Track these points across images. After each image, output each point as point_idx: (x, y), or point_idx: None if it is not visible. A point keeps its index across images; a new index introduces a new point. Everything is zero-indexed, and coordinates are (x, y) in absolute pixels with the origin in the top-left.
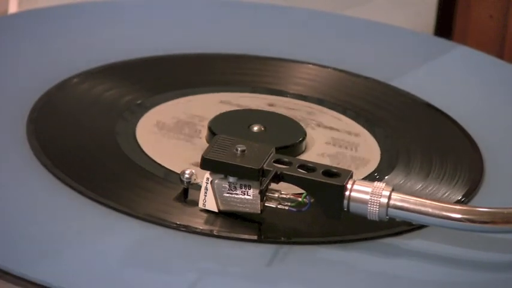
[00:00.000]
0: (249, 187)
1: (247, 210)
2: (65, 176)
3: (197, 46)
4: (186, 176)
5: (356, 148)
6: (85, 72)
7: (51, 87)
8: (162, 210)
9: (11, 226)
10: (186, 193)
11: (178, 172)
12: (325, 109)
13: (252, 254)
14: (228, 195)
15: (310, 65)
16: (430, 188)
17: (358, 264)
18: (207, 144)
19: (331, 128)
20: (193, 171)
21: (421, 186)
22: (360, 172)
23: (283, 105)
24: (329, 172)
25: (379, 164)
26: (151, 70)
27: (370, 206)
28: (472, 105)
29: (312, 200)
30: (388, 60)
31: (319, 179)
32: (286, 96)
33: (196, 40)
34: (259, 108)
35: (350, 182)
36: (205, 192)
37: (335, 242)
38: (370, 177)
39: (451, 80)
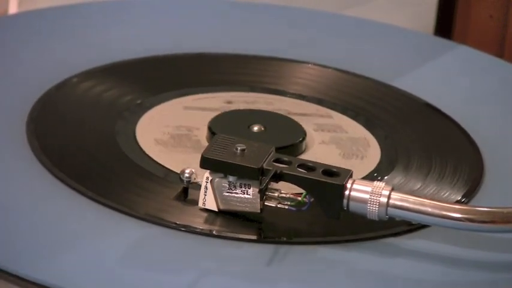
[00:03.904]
0: (249, 186)
1: (247, 209)
2: (65, 176)
3: (197, 46)
4: (186, 175)
5: (342, 129)
6: (85, 72)
7: (51, 87)
8: (162, 210)
9: (10, 226)
10: (186, 192)
11: (178, 172)
12: (283, 98)
13: (251, 254)
14: (227, 194)
15: (310, 65)
16: (430, 188)
17: (358, 264)
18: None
19: (303, 114)
20: (193, 170)
21: (421, 186)
22: (371, 154)
23: (241, 101)
24: (329, 171)
25: (379, 164)
26: (151, 70)
27: (370, 206)
28: (472, 105)
29: (311, 200)
30: (388, 60)
31: (319, 178)
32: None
33: (197, 40)
34: (219, 109)
35: (350, 182)
36: (205, 192)
37: (335, 242)
38: (370, 177)
39: (451, 80)
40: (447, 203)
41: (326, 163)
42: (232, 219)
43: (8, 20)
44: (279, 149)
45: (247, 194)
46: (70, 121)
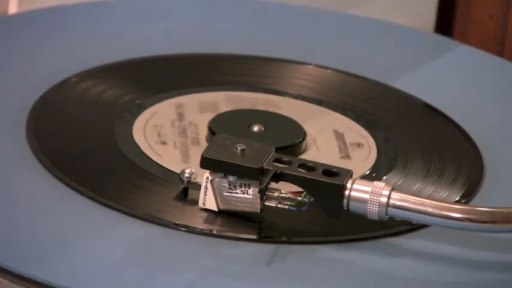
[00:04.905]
0: (249, 186)
1: (247, 209)
2: (64, 176)
3: (197, 46)
4: (186, 175)
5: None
6: (84, 72)
7: (51, 87)
8: (162, 210)
9: (10, 226)
10: (186, 192)
11: (178, 172)
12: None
13: (251, 254)
14: (227, 194)
15: (310, 66)
16: (429, 188)
17: (358, 264)
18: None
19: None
20: (193, 170)
21: (421, 186)
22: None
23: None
24: (329, 171)
25: (379, 165)
26: (151, 70)
27: (370, 206)
28: (472, 105)
29: (311, 199)
30: (388, 60)
31: (319, 178)
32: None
33: (197, 40)
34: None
35: (350, 181)
36: (205, 192)
37: (335, 242)
38: (370, 177)
39: (451, 80)
40: (447, 203)
41: (326, 163)
42: (232, 219)
43: (8, 20)
44: (279, 149)
45: (247, 194)
46: (70, 121)
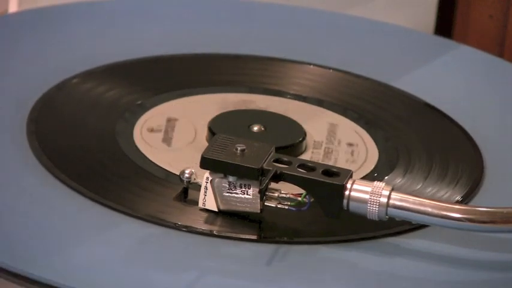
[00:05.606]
0: (249, 186)
1: (247, 209)
2: (65, 176)
3: (197, 46)
4: (186, 175)
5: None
6: (85, 73)
7: (51, 87)
8: (162, 210)
9: (10, 226)
10: (186, 192)
11: (178, 172)
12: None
13: (251, 254)
14: (227, 194)
15: (310, 66)
16: (430, 188)
17: (358, 264)
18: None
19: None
20: (193, 170)
21: (421, 187)
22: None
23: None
24: (329, 171)
25: (379, 165)
26: (151, 70)
27: (370, 206)
28: (472, 105)
29: (311, 200)
30: (388, 60)
31: (319, 179)
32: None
33: (196, 40)
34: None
35: (350, 182)
36: (205, 192)
37: (335, 242)
38: (370, 177)
39: (451, 80)
40: (447, 203)
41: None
42: (232, 219)
43: (8, 20)
44: (279, 149)
45: (247, 194)
46: (70, 121)
